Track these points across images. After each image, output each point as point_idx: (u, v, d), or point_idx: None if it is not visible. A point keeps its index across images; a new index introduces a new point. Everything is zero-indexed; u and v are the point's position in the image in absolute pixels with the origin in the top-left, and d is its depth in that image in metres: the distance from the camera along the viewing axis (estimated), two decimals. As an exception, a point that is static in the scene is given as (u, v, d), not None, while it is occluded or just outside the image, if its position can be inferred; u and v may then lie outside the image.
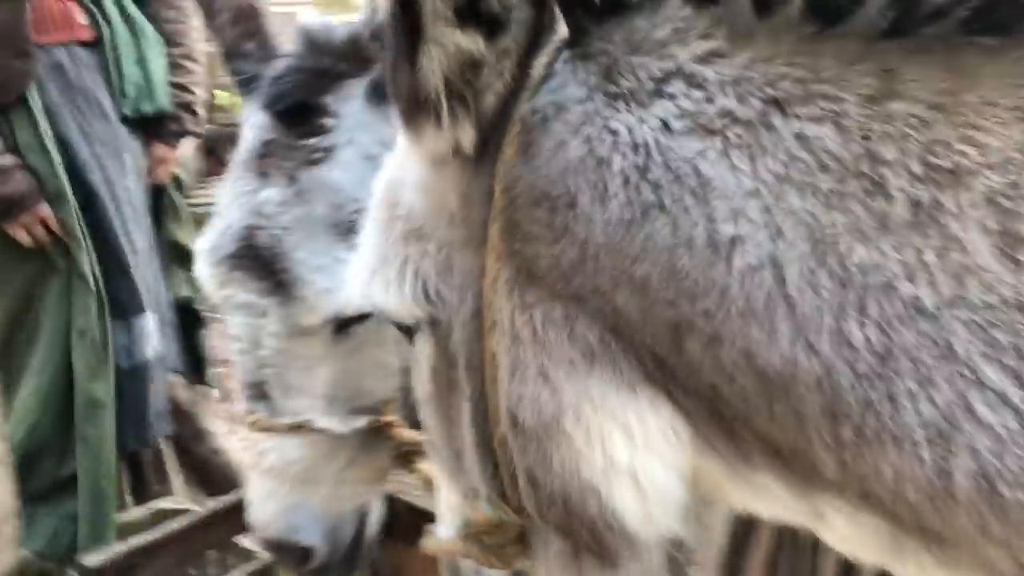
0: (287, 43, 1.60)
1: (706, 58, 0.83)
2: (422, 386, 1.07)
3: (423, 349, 1.04)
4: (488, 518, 1.02)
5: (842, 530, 0.89)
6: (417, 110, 0.93)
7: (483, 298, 0.93)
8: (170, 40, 2.85)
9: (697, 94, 0.83)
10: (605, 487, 0.91)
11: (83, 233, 2.55)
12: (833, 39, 0.79)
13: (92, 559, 1.94)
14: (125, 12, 2.71)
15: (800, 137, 0.79)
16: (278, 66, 1.55)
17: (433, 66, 0.89)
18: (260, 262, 1.47)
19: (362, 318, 1.48)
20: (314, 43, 1.55)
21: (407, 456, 1.57)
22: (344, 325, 1.49)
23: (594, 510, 0.93)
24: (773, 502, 0.92)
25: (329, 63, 1.53)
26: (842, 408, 0.78)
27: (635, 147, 0.84)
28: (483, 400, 0.96)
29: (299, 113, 1.50)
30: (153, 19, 2.80)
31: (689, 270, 0.81)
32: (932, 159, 0.76)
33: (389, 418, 1.56)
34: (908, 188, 0.76)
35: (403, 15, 0.87)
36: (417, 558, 1.67)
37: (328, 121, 1.50)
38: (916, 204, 0.76)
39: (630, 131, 0.85)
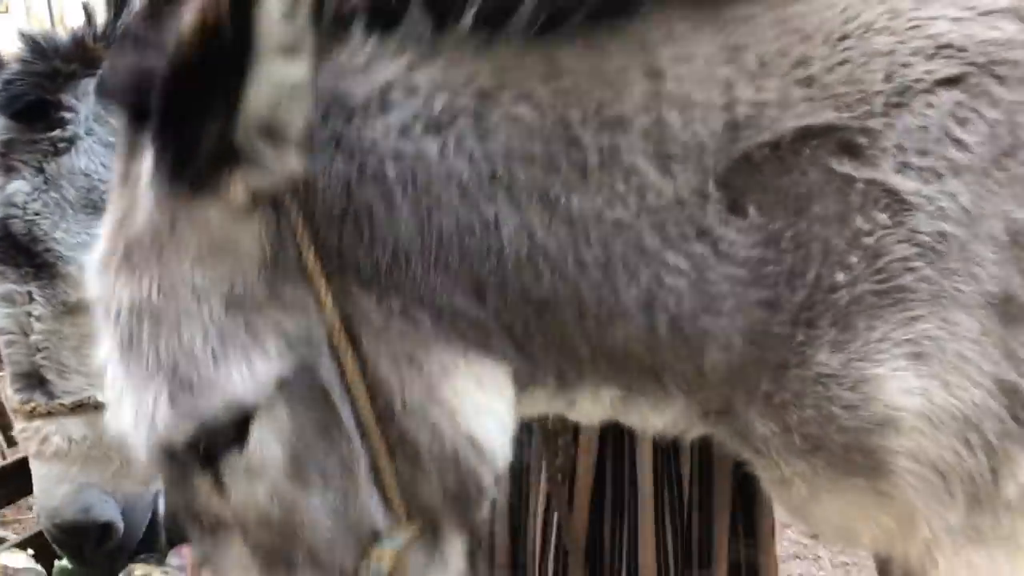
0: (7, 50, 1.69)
1: (409, 68, 1.00)
2: (268, 490, 1.00)
3: (267, 438, 0.99)
4: (394, 550, 1.05)
5: (587, 407, 1.15)
6: (224, 158, 0.90)
7: (328, 320, 0.98)
8: None
9: (416, 100, 1.00)
10: (478, 428, 1.06)
11: None
12: (503, 40, 1.01)
13: None
14: None
15: (510, 118, 1.01)
16: (8, 71, 1.63)
17: (259, 102, 0.88)
18: (18, 249, 1.54)
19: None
20: (40, 48, 1.65)
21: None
22: (111, 298, 1.58)
23: (473, 457, 1.07)
24: (545, 404, 1.15)
25: (59, 64, 1.63)
26: (587, 308, 1.03)
27: (395, 155, 0.99)
28: (361, 414, 1.02)
29: (36, 111, 1.59)
30: None
31: (473, 244, 1.01)
32: (605, 113, 1.01)
33: (169, 385, 1.65)
34: (593, 139, 1.02)
35: (225, 52, 0.83)
36: None
37: (66, 115, 1.60)
38: (601, 150, 1.02)
39: (384, 141, 0.99)
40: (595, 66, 1.03)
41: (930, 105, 1.05)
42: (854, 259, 1.05)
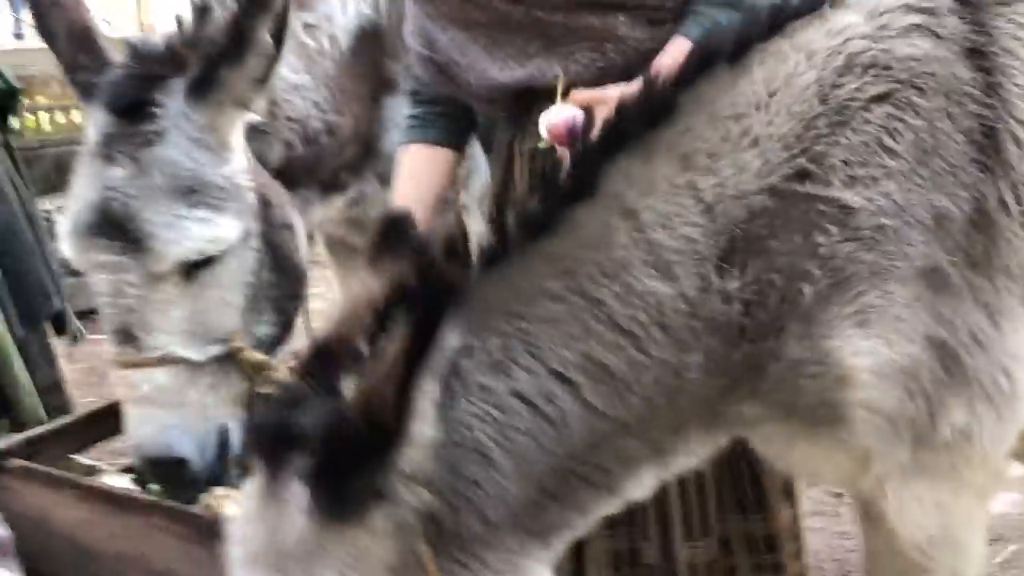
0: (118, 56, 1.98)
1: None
2: None
3: None
4: None
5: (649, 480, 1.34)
6: (371, 499, 1.09)
7: None
8: None
9: (479, 355, 1.18)
10: None
11: None
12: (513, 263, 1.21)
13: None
14: None
15: (545, 320, 1.20)
16: (113, 74, 1.92)
17: (408, 459, 1.08)
18: (114, 226, 1.83)
19: (205, 262, 1.86)
20: (139, 53, 1.93)
21: (257, 373, 1.94)
22: (190, 269, 1.87)
23: None
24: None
25: (154, 68, 1.91)
26: (640, 425, 1.23)
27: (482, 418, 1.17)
28: None
29: (133, 108, 1.87)
30: None
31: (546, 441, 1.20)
32: (607, 266, 1.20)
33: (237, 344, 1.94)
34: (609, 290, 1.19)
35: (386, 429, 1.07)
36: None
37: (157, 111, 1.88)
38: (618, 295, 1.18)
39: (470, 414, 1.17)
40: (582, 237, 1.21)
41: (866, 121, 1.21)
42: (814, 269, 1.23)
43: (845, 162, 1.20)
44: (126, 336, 1.88)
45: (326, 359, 1.14)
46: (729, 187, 1.21)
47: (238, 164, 1.94)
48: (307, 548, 1.10)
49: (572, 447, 1.18)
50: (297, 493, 1.11)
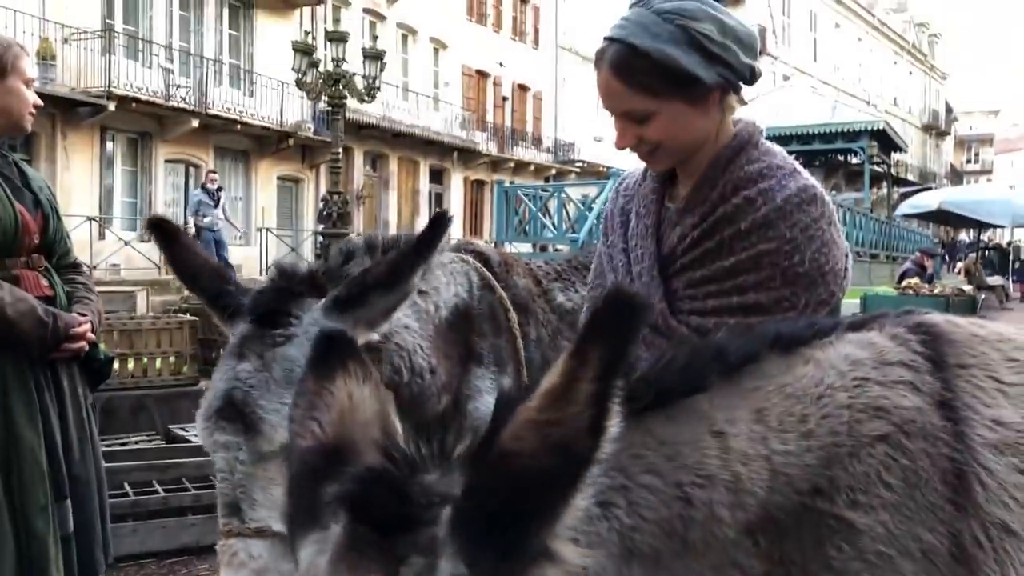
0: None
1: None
2: None
3: None
4: None
5: None
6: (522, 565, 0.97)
7: None
8: None
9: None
10: None
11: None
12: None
13: None
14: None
15: (645, 488, 1.23)
16: (257, 290, 2.35)
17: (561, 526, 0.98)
18: (235, 411, 2.15)
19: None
20: (285, 273, 2.37)
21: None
22: (295, 452, 2.16)
23: None
24: None
25: (293, 285, 2.34)
26: None
27: None
28: None
29: (270, 315, 2.27)
30: None
31: None
32: (700, 472, 1.26)
33: (327, 527, 2.17)
34: (698, 497, 1.25)
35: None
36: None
37: (292, 320, 2.27)
38: (704, 503, 1.25)
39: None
40: (677, 434, 1.29)
41: (871, 456, 1.36)
42: None
43: (850, 487, 1.33)
44: (233, 509, 2.13)
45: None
46: (790, 465, 1.30)
47: None
48: None
49: None
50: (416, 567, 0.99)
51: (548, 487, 0.94)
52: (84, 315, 3.32)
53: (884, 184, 41.31)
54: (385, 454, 1.11)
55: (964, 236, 51.89)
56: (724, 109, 1.96)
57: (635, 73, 1.84)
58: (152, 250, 16.20)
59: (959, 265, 29.32)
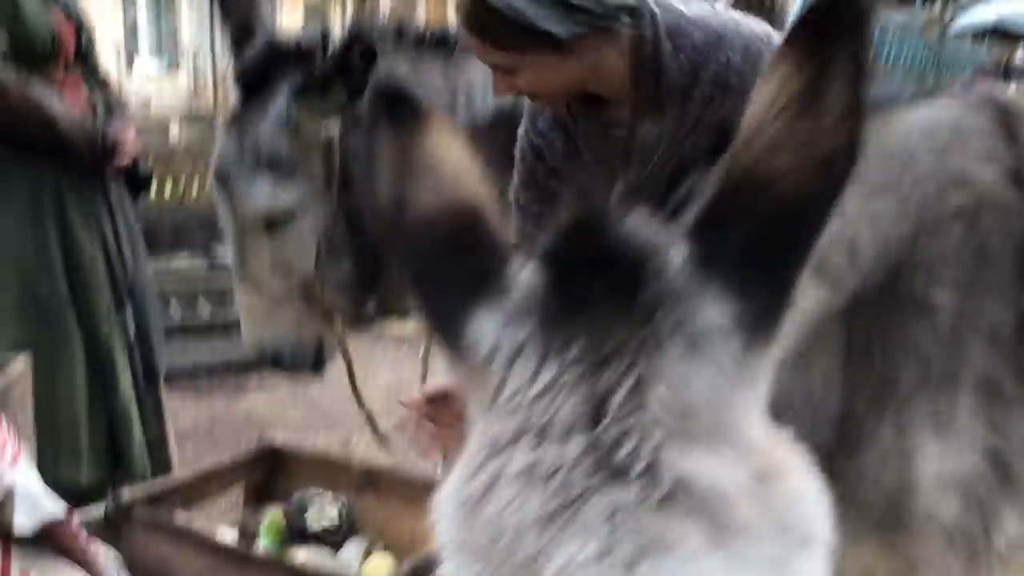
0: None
1: None
2: None
3: None
4: None
5: None
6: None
7: None
8: None
9: None
10: None
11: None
12: None
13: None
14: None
15: None
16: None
17: None
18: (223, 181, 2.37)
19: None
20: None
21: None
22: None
23: None
24: None
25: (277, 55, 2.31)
26: None
27: None
28: None
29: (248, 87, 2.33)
30: None
31: None
32: None
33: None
34: None
35: None
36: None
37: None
38: None
39: None
40: None
41: (949, 230, 1.29)
42: (909, 361, 1.28)
43: (931, 264, 1.28)
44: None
45: None
46: (885, 229, 1.26)
47: None
48: (721, 396, 0.69)
49: None
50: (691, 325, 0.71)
51: (806, 215, 0.71)
52: (124, 127, 3.23)
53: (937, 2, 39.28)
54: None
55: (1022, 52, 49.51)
56: (610, 42, 1.76)
57: (487, 29, 1.73)
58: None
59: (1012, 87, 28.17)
